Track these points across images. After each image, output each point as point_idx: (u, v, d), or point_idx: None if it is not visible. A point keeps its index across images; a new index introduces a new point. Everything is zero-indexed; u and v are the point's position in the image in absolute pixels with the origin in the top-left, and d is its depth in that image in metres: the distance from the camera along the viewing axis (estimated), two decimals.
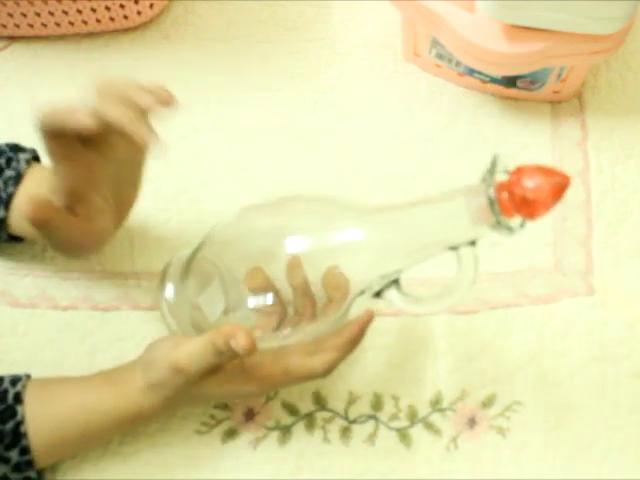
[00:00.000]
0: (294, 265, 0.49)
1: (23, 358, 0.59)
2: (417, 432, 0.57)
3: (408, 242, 0.47)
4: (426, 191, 0.64)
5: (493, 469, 0.56)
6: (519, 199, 0.41)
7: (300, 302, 0.50)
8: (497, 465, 0.56)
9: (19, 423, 0.49)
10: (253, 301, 0.50)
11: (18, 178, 0.55)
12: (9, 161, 0.56)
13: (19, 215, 0.55)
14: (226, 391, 0.51)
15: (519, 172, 0.41)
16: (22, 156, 0.56)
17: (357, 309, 0.50)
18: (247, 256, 0.50)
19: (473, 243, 0.46)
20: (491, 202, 0.42)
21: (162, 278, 0.55)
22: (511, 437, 0.57)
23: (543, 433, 0.57)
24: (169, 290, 0.54)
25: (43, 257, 0.62)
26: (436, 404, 0.58)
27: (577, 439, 0.57)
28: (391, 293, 0.48)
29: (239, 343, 0.47)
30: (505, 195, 0.42)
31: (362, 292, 0.48)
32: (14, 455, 0.49)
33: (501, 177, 0.42)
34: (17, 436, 0.49)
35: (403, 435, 0.57)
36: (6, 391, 0.51)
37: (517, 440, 0.57)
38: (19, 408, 0.50)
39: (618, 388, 0.58)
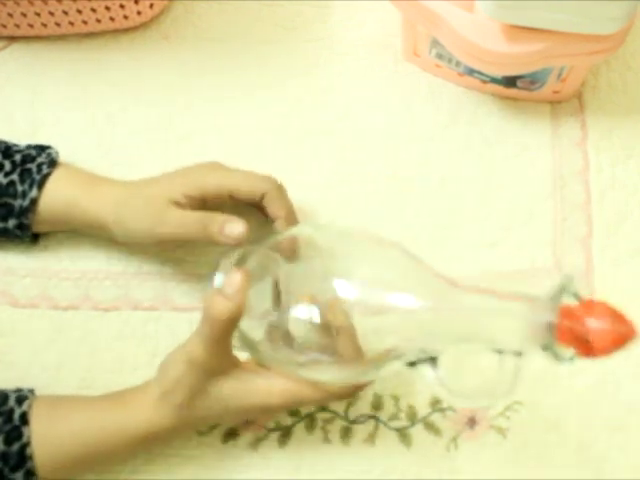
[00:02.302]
0: (337, 308, 0.47)
1: (23, 358, 0.59)
2: (417, 432, 0.57)
3: (459, 327, 0.44)
4: (426, 191, 0.64)
5: (493, 469, 0.56)
6: (578, 336, 0.39)
7: (342, 345, 0.47)
8: (497, 465, 0.56)
9: (25, 445, 0.49)
10: (298, 311, 0.48)
11: (52, 164, 0.58)
12: (41, 149, 0.60)
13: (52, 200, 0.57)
14: (246, 399, 0.49)
15: (588, 307, 0.39)
16: (49, 150, 0.60)
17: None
18: (306, 274, 0.49)
19: (519, 354, 0.43)
20: (550, 326, 0.40)
21: (215, 267, 0.52)
22: (511, 437, 0.57)
23: (543, 433, 0.57)
24: (218, 279, 0.51)
25: (43, 257, 0.62)
26: (436, 404, 0.58)
27: (577, 439, 0.57)
28: (426, 369, 0.45)
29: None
30: (566, 324, 0.39)
31: (397, 357, 0.46)
32: (19, 477, 0.49)
33: (569, 302, 0.40)
34: (23, 458, 0.48)
35: (403, 435, 0.57)
36: (12, 411, 0.50)
37: (517, 440, 0.57)
38: (25, 430, 0.49)
39: (618, 388, 0.58)
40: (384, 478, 0.56)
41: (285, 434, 0.57)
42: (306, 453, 0.56)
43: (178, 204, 0.55)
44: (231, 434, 0.57)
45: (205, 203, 0.56)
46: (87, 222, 0.57)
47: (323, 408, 0.57)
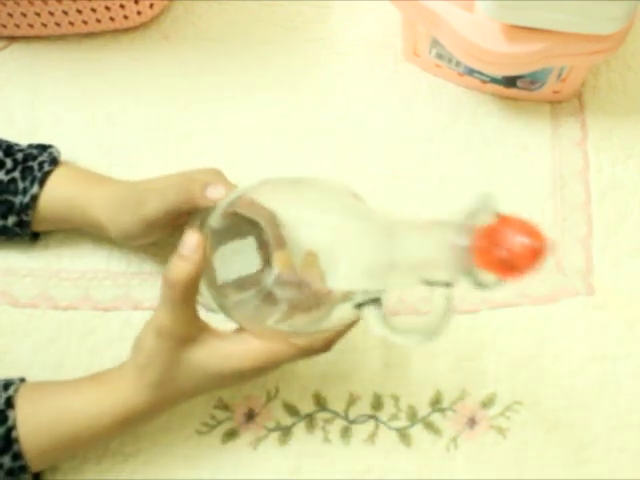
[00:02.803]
0: (311, 262, 0.47)
1: (23, 358, 0.59)
2: (417, 432, 0.57)
3: (391, 260, 0.43)
4: (426, 191, 0.64)
5: (493, 469, 0.56)
6: (497, 256, 0.37)
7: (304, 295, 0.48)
8: (497, 465, 0.56)
9: (10, 429, 0.49)
10: (279, 273, 0.47)
11: (53, 162, 0.58)
12: (42, 148, 0.60)
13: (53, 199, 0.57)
14: (220, 364, 0.48)
15: (503, 224, 0.37)
16: (51, 149, 0.60)
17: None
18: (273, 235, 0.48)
19: (449, 285, 0.41)
20: (467, 249, 0.37)
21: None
22: (511, 437, 0.57)
23: (543, 433, 0.57)
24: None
25: (43, 257, 0.62)
26: (436, 404, 0.58)
27: (577, 439, 0.57)
28: (370, 310, 0.45)
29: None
30: (483, 244, 0.37)
31: (345, 299, 0.46)
32: (7, 461, 0.49)
33: (485, 220, 0.38)
34: (9, 442, 0.49)
35: (403, 435, 0.57)
36: None
37: (517, 440, 0.57)
38: (10, 413, 0.49)
39: (618, 388, 0.58)
40: (384, 478, 0.56)
41: (285, 434, 0.57)
42: (306, 453, 0.56)
43: (176, 211, 0.54)
44: (231, 434, 0.57)
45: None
46: (87, 221, 0.57)
47: (323, 408, 0.57)
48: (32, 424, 0.50)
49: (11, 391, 0.50)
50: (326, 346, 0.49)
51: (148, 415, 0.50)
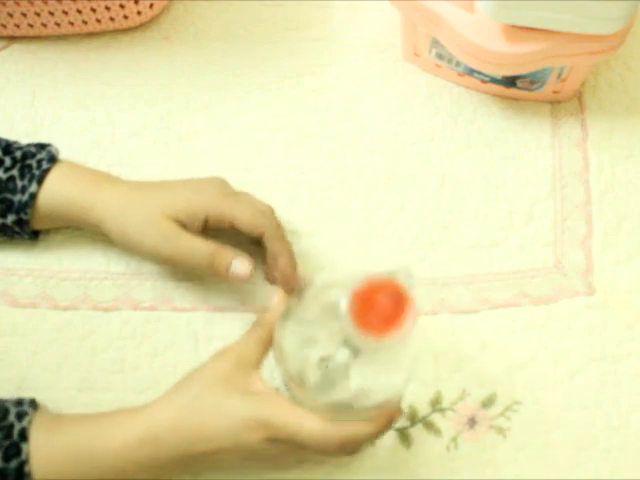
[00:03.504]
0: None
1: (23, 358, 0.59)
2: (417, 432, 0.57)
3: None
4: (426, 191, 0.64)
5: (493, 469, 0.56)
6: (367, 316, 0.39)
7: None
8: (497, 465, 0.56)
9: (23, 463, 0.48)
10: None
11: (52, 160, 0.58)
12: (41, 146, 0.60)
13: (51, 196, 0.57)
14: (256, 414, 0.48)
15: (371, 286, 0.39)
16: (50, 147, 0.60)
17: None
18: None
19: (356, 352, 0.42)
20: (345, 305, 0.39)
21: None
22: (511, 437, 0.57)
23: (543, 433, 0.57)
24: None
25: (43, 257, 0.62)
26: (436, 404, 0.58)
27: (577, 439, 0.57)
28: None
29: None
30: (357, 307, 0.39)
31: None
32: None
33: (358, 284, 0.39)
34: (20, 475, 0.48)
35: (403, 435, 0.57)
36: (12, 426, 0.49)
37: (517, 440, 0.57)
38: (24, 446, 0.48)
39: (618, 388, 0.58)
40: (384, 478, 0.56)
41: None
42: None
43: (180, 222, 0.55)
44: None
45: (206, 224, 0.56)
46: (86, 221, 0.57)
47: None
48: (46, 459, 0.48)
49: (25, 422, 0.49)
50: (341, 444, 0.48)
51: (166, 444, 0.49)
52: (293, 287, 0.56)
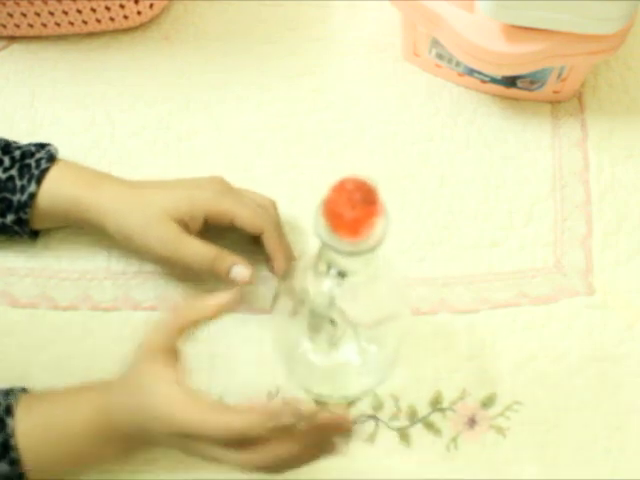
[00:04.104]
0: None
1: (23, 358, 0.59)
2: (417, 432, 0.57)
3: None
4: (426, 191, 0.64)
5: (493, 469, 0.56)
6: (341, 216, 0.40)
7: None
8: (497, 465, 0.56)
9: (9, 436, 0.49)
10: None
11: (51, 159, 0.58)
12: (40, 146, 0.59)
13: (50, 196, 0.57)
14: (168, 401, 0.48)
15: (340, 188, 0.40)
16: (49, 147, 0.60)
17: None
18: None
19: (342, 275, 0.44)
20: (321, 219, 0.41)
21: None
22: (511, 437, 0.57)
23: (543, 433, 0.57)
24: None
25: (43, 257, 0.62)
26: (436, 404, 0.58)
27: (577, 439, 0.57)
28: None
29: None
30: (330, 210, 0.40)
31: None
32: (3, 466, 0.48)
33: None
34: (6, 449, 0.48)
35: (403, 435, 0.57)
36: None
37: (517, 440, 0.57)
38: (9, 421, 0.49)
39: (618, 388, 0.58)
40: (384, 478, 0.56)
41: None
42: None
43: (181, 221, 0.56)
44: None
45: (207, 222, 0.57)
46: (86, 220, 0.57)
47: (322, 408, 0.57)
48: (31, 433, 0.49)
49: (11, 399, 0.50)
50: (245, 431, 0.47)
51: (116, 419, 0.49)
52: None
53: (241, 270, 0.56)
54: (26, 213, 0.57)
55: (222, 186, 0.58)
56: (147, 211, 0.56)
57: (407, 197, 0.64)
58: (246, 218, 0.57)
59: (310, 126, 0.67)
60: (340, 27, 0.71)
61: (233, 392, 0.58)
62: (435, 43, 0.65)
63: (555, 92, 0.67)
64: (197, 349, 0.59)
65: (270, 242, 0.58)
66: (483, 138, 0.67)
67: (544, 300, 0.61)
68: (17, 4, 0.65)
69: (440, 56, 0.66)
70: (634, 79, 0.69)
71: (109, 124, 0.67)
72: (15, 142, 0.60)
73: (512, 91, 0.67)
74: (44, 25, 0.68)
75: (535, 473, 0.56)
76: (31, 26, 0.68)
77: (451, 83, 0.69)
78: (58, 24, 0.68)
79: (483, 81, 0.67)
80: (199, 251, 0.56)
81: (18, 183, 0.57)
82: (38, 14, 0.66)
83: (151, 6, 0.68)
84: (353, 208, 0.40)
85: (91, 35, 0.70)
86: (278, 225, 0.59)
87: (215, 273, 0.56)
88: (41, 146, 0.59)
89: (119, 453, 0.51)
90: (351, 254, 0.41)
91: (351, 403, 0.58)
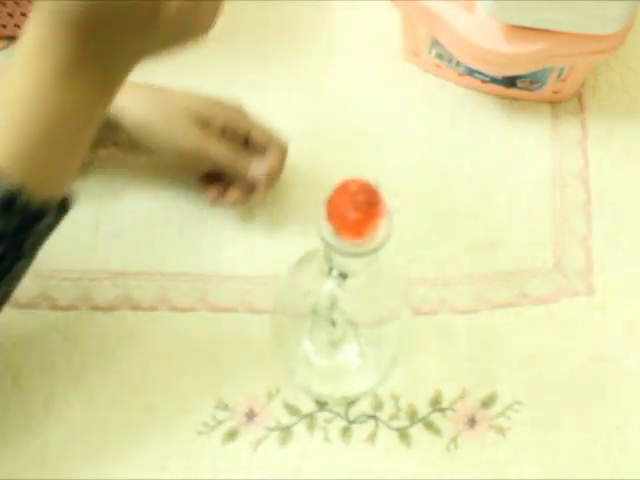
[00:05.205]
0: None
1: (23, 358, 0.59)
2: (417, 432, 0.57)
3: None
4: (426, 191, 0.64)
5: (493, 469, 0.56)
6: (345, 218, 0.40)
7: None
8: (497, 465, 0.56)
9: None
10: None
11: None
12: None
13: None
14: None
15: (342, 190, 0.40)
16: None
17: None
18: None
19: (344, 276, 0.45)
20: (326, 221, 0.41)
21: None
22: (511, 437, 0.57)
23: (543, 433, 0.57)
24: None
25: (43, 257, 0.62)
26: (436, 404, 0.58)
27: (577, 439, 0.57)
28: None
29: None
30: (333, 211, 0.40)
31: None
32: None
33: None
34: None
35: (403, 435, 0.57)
36: None
37: (517, 440, 0.57)
38: None
39: (618, 388, 0.58)
40: (384, 478, 0.56)
41: (285, 434, 0.57)
42: (306, 453, 0.56)
43: (203, 122, 0.58)
44: (231, 434, 0.57)
45: (224, 131, 0.59)
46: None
47: (323, 408, 0.57)
48: None
49: None
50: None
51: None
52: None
53: (259, 167, 0.59)
54: None
55: (242, 106, 0.61)
56: (169, 107, 0.57)
57: (407, 197, 0.64)
58: (262, 134, 0.60)
59: (310, 126, 0.67)
60: (340, 27, 0.71)
61: (233, 392, 0.58)
62: (435, 43, 0.65)
63: (555, 92, 0.67)
64: (197, 349, 0.59)
65: (270, 157, 0.59)
66: (483, 138, 0.67)
67: (544, 300, 0.61)
68: (17, 4, 0.65)
69: (440, 56, 0.66)
70: (634, 79, 0.69)
71: None
72: None
73: (512, 91, 0.67)
74: None
75: (535, 473, 0.56)
76: None
77: (451, 83, 0.69)
78: None
79: (483, 81, 0.67)
80: (221, 146, 0.58)
81: None
82: None
83: None
84: (356, 210, 0.40)
85: None
86: (284, 155, 0.61)
87: (236, 169, 0.59)
88: None
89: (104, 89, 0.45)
90: (354, 255, 0.42)
91: (351, 403, 0.58)
